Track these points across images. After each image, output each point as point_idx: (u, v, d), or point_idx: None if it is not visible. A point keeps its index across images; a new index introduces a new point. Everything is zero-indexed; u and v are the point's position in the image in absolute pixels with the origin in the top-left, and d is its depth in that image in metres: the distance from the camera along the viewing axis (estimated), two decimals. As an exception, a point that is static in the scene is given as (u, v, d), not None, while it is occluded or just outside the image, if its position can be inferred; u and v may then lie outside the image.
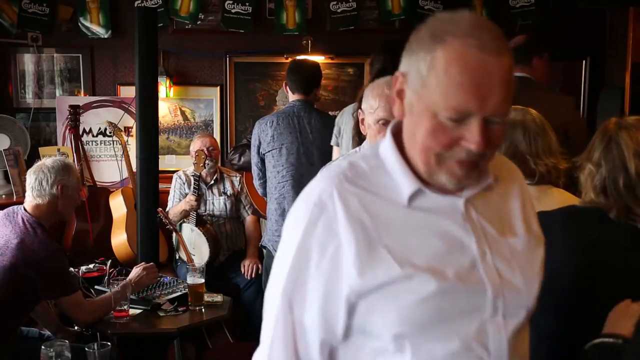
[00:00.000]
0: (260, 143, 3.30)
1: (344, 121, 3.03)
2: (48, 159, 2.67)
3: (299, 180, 3.20)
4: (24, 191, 2.74)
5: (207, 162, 3.77)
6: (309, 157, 3.22)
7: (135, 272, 2.80)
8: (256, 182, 3.44)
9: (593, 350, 1.33)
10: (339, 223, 0.98)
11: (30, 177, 2.61)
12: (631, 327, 1.31)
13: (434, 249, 1.00)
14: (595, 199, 1.54)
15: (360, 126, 2.00)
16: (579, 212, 1.59)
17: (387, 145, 1.06)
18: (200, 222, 3.79)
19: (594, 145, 1.57)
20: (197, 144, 3.93)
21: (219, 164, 4.16)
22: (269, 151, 3.27)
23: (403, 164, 1.03)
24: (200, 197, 3.78)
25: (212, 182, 3.98)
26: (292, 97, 3.33)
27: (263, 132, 3.27)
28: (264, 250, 3.46)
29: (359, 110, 2.00)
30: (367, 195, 1.01)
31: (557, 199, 1.94)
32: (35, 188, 2.59)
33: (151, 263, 2.90)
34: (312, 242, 0.99)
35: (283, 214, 3.22)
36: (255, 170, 3.41)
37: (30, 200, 2.60)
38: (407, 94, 1.00)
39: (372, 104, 1.92)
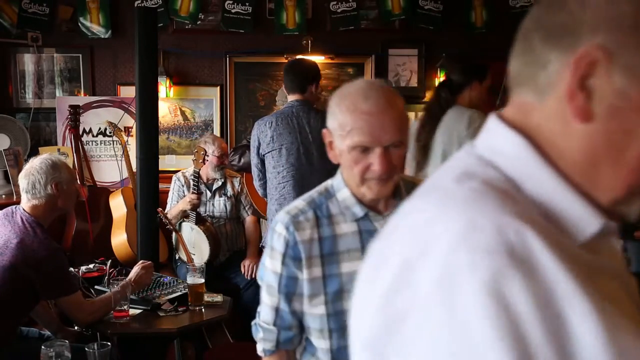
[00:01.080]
0: (259, 144, 3.30)
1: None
2: (35, 159, 2.65)
3: (300, 181, 3.20)
4: (24, 191, 2.74)
5: (206, 158, 3.76)
6: (309, 157, 3.22)
7: (134, 271, 2.80)
8: (256, 183, 3.44)
9: None
10: (557, 285, 0.57)
11: (22, 182, 2.60)
12: None
13: (630, 310, 0.67)
14: None
15: (328, 152, 1.50)
16: None
17: (528, 160, 0.67)
18: (200, 221, 3.79)
19: None
20: (210, 147, 3.85)
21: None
22: (268, 152, 3.27)
23: (573, 190, 0.66)
24: (200, 195, 3.78)
25: (219, 185, 3.98)
26: (290, 97, 3.34)
27: (262, 133, 3.27)
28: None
29: (324, 131, 1.48)
30: (553, 232, 0.63)
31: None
32: (29, 191, 2.58)
33: (149, 262, 2.89)
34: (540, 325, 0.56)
35: None
36: (255, 171, 3.41)
37: (27, 202, 2.60)
38: (610, 84, 0.62)
39: (342, 122, 1.39)
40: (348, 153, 1.40)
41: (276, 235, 1.50)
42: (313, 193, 1.55)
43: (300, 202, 1.53)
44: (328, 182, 1.56)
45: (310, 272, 1.46)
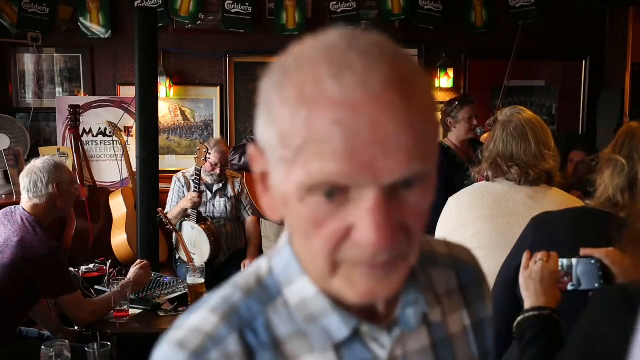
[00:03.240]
0: None
1: None
2: (37, 159, 2.68)
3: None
4: (24, 191, 2.75)
5: (207, 156, 3.76)
6: None
7: (133, 271, 2.80)
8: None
9: (524, 324, 1.37)
10: None
11: (24, 180, 2.62)
12: (551, 294, 1.35)
13: None
14: (613, 198, 1.53)
15: (261, 196, 0.69)
16: (590, 214, 1.58)
17: None
18: (201, 219, 3.80)
19: (624, 141, 1.57)
20: (212, 154, 3.85)
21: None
22: None
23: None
24: (202, 194, 3.78)
25: (220, 187, 3.98)
26: None
27: None
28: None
29: (249, 151, 0.66)
30: None
31: (556, 199, 1.94)
32: (30, 190, 2.60)
33: (145, 261, 2.89)
34: None
35: None
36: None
37: (27, 201, 2.61)
38: None
39: (283, 129, 0.57)
40: (299, 201, 0.58)
41: None
42: (231, 292, 0.69)
43: (207, 317, 0.66)
44: (261, 265, 0.71)
45: None
